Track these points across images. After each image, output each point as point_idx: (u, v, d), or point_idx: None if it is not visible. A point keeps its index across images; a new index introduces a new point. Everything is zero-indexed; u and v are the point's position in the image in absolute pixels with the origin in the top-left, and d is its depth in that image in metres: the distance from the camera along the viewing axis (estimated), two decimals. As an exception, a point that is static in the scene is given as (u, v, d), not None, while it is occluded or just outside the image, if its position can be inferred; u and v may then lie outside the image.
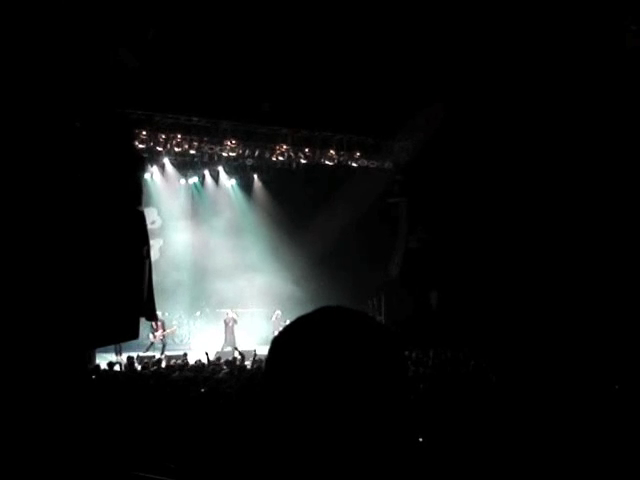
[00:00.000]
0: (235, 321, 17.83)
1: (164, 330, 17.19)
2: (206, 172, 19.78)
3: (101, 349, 13.17)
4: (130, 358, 12.38)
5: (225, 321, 17.74)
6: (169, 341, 17.87)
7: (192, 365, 11.99)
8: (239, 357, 13.15)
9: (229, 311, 17.88)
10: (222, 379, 9.06)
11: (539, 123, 14.81)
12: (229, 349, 16.36)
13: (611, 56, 12.84)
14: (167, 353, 16.28)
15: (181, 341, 18.57)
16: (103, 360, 11.90)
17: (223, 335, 17.63)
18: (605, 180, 14.28)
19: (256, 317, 19.10)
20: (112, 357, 13.89)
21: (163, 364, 13.12)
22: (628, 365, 9.36)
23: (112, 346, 14.25)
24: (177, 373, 10.17)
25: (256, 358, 12.87)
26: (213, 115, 17.28)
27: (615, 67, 13.05)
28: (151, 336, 16.54)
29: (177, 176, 19.26)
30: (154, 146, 17.06)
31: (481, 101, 15.31)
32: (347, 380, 0.95)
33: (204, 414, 6.40)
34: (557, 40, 13.17)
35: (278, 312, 18.28)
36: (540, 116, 14.69)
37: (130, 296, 3.27)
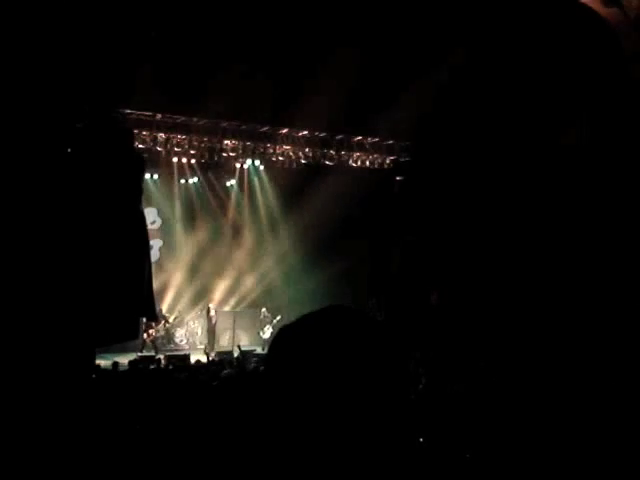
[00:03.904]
0: (214, 317, 17.87)
1: (167, 322, 17.31)
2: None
3: (100, 349, 13.16)
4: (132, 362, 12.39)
5: (210, 317, 17.80)
6: (165, 341, 17.90)
7: (192, 365, 12.00)
8: (240, 356, 13.11)
9: (210, 306, 17.96)
10: (223, 378, 9.06)
11: (539, 121, 14.82)
12: (227, 348, 16.35)
13: (611, 58, 12.85)
14: (167, 353, 16.26)
15: (181, 341, 18.58)
16: (103, 360, 11.92)
17: (213, 334, 17.70)
18: (605, 180, 14.28)
19: (254, 317, 19.10)
20: (114, 357, 13.89)
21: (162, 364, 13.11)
22: (627, 365, 9.36)
23: (112, 346, 14.23)
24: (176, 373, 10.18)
25: (254, 358, 12.86)
26: (213, 115, 17.27)
27: (616, 65, 13.05)
28: (144, 335, 16.51)
29: (177, 176, 19.25)
30: (154, 146, 17.05)
31: (481, 99, 15.32)
32: (348, 379, 0.96)
33: (204, 414, 6.40)
34: (558, 40, 13.17)
35: (264, 310, 18.38)
36: (540, 115, 14.69)
37: (130, 296, 3.28)
